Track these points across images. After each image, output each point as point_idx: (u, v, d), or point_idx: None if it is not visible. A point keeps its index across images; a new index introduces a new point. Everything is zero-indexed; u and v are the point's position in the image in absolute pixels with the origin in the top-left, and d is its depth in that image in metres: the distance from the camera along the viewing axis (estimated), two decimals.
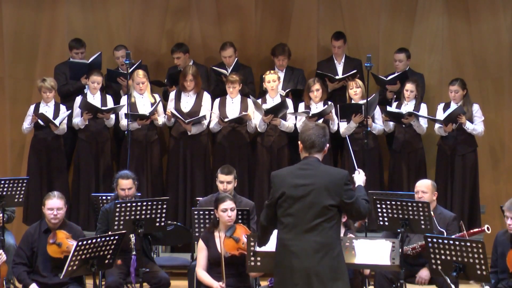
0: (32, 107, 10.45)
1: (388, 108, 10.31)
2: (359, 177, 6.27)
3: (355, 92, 10.24)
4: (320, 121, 10.30)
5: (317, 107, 10.25)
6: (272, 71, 10.47)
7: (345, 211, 5.92)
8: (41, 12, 11.36)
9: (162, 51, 11.41)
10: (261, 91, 10.77)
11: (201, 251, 7.84)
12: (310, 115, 10.14)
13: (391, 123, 10.43)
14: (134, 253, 7.99)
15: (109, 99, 10.55)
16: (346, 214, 6.03)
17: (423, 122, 10.36)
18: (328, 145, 6.00)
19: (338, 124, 10.36)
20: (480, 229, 7.96)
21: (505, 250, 7.75)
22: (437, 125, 10.34)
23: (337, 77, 10.69)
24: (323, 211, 5.79)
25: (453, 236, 7.83)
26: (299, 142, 5.99)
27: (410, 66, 10.87)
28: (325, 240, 5.79)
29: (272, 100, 10.36)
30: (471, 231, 8.00)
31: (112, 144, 10.74)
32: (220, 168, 8.69)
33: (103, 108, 10.32)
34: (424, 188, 8.23)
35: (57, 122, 10.21)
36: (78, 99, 10.44)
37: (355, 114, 10.16)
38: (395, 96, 10.61)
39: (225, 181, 8.54)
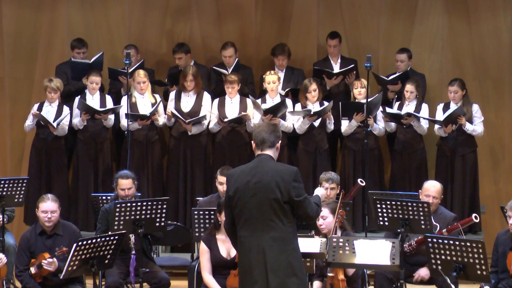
0: (36, 106, 10.45)
1: (388, 109, 10.31)
2: (319, 190, 6.42)
3: (359, 92, 10.23)
4: (318, 120, 10.32)
5: (313, 107, 10.25)
6: (272, 72, 10.47)
7: (294, 210, 5.96)
8: (41, 12, 11.36)
9: (162, 51, 11.41)
10: (261, 91, 10.77)
11: (204, 254, 7.83)
12: (312, 113, 10.14)
13: (393, 123, 10.43)
14: (133, 252, 7.99)
15: (109, 99, 10.55)
16: (295, 215, 6.01)
17: (424, 123, 10.35)
18: (280, 141, 6.10)
19: (335, 123, 10.36)
20: (468, 218, 7.95)
21: (506, 249, 7.76)
22: (436, 126, 10.34)
23: (334, 71, 10.70)
24: (275, 207, 5.89)
25: (444, 231, 7.88)
26: (252, 142, 6.11)
27: (411, 66, 10.87)
28: (280, 236, 5.88)
29: (272, 101, 10.36)
30: (462, 221, 7.98)
31: (111, 144, 10.74)
32: (219, 169, 8.69)
33: (100, 109, 10.31)
34: (436, 194, 8.17)
35: (55, 123, 10.20)
36: (78, 100, 10.44)
37: (356, 112, 10.16)
38: (396, 96, 10.60)
39: (225, 182, 8.52)
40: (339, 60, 10.96)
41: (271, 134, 6.04)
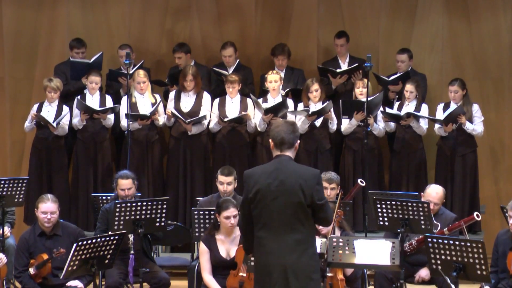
0: (35, 106, 10.45)
1: (387, 110, 10.31)
2: None
3: (361, 92, 10.23)
4: (320, 119, 10.32)
5: (316, 107, 10.25)
6: (274, 71, 10.47)
7: (315, 213, 5.92)
8: (41, 12, 11.35)
9: (162, 51, 11.41)
10: (261, 91, 10.77)
11: (204, 255, 7.82)
12: (310, 113, 10.14)
13: (392, 124, 10.43)
14: (132, 252, 7.99)
15: (108, 99, 10.55)
16: (314, 218, 5.97)
17: (423, 123, 10.35)
18: (298, 141, 6.00)
19: (337, 124, 10.37)
20: (470, 216, 7.94)
21: (506, 249, 7.76)
22: (437, 126, 10.34)
23: (338, 70, 10.69)
24: (297, 210, 5.82)
25: (446, 230, 7.87)
26: (270, 140, 5.99)
27: (412, 66, 10.87)
28: (301, 239, 5.83)
29: (273, 100, 10.36)
30: (464, 219, 7.96)
31: (111, 144, 10.74)
32: (220, 169, 8.69)
33: (98, 108, 10.31)
34: (438, 201, 8.16)
35: (55, 123, 10.20)
36: (77, 100, 10.44)
37: (357, 111, 10.16)
38: (397, 96, 10.60)
39: (225, 182, 8.54)
40: (347, 60, 10.96)
41: (291, 135, 5.94)
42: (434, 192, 8.22)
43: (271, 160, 6.08)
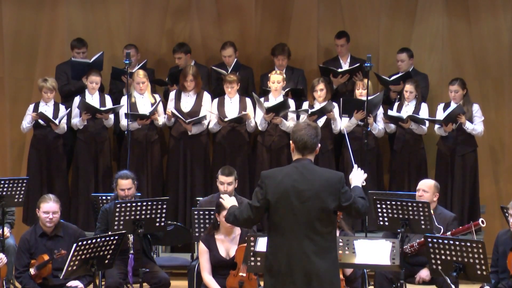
0: (31, 106, 10.46)
1: (389, 112, 10.30)
2: (357, 176, 6.11)
3: (361, 93, 10.23)
4: (322, 119, 10.32)
5: (320, 106, 10.25)
6: (278, 72, 10.47)
7: (344, 212, 5.89)
8: (41, 12, 11.36)
9: (162, 51, 11.41)
10: (262, 91, 10.77)
11: (203, 254, 7.82)
12: (310, 112, 10.14)
13: (392, 124, 10.43)
14: (131, 252, 7.99)
15: (108, 99, 10.56)
16: (346, 215, 5.99)
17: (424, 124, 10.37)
18: (319, 145, 5.90)
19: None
20: (476, 222, 7.94)
21: (506, 249, 7.76)
22: (436, 126, 10.34)
23: (339, 70, 10.70)
24: (321, 215, 5.72)
25: (449, 234, 7.88)
26: (291, 142, 5.92)
27: (413, 66, 10.86)
28: (324, 244, 5.74)
29: (274, 100, 10.37)
30: (472, 224, 7.96)
31: (111, 144, 10.74)
32: (220, 169, 8.68)
33: (101, 108, 10.32)
34: (425, 187, 8.23)
35: (56, 121, 10.22)
36: (77, 99, 10.45)
37: (357, 110, 10.16)
38: (398, 96, 10.60)
39: (226, 182, 8.53)
40: (348, 60, 10.96)
41: (314, 139, 5.80)
42: (423, 181, 8.32)
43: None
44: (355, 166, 6.18)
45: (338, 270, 5.88)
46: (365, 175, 6.12)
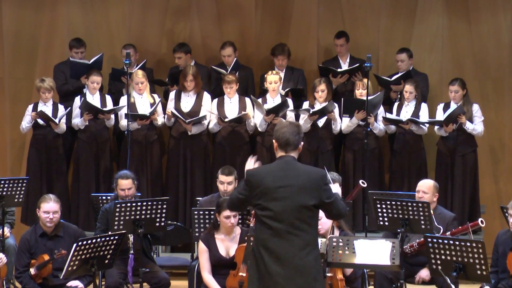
0: (30, 107, 10.46)
1: (388, 115, 10.30)
2: (335, 188, 6.33)
3: (361, 93, 10.23)
4: (323, 119, 10.33)
5: (320, 107, 10.25)
6: (274, 72, 10.47)
7: (324, 211, 5.93)
8: (41, 12, 11.36)
9: (162, 51, 11.41)
10: (261, 91, 10.77)
11: (203, 254, 7.81)
12: (311, 112, 10.15)
13: (392, 125, 10.44)
14: (131, 252, 7.99)
15: (108, 99, 10.56)
16: (326, 214, 6.01)
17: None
18: (302, 143, 5.97)
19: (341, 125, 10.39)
20: (475, 222, 7.93)
21: (506, 249, 7.76)
22: (436, 126, 10.34)
23: (339, 69, 10.70)
24: (304, 212, 5.79)
25: (448, 233, 7.87)
26: (274, 141, 5.97)
27: (413, 65, 10.86)
28: (307, 240, 5.80)
29: (272, 100, 10.37)
30: (470, 224, 7.96)
31: (112, 144, 10.74)
32: (220, 168, 8.68)
33: (104, 108, 10.33)
34: (425, 189, 8.23)
35: (56, 120, 10.23)
36: (78, 100, 10.45)
37: (358, 110, 10.16)
38: (399, 96, 10.60)
39: (226, 182, 8.54)
40: (347, 60, 10.97)
41: (296, 136, 5.89)
42: (422, 182, 8.31)
43: (273, 160, 6.05)
44: (331, 183, 6.35)
45: (321, 266, 5.95)
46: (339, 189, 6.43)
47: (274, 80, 10.35)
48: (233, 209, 6.48)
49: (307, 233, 5.80)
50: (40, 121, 10.37)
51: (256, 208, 5.90)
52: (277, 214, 5.80)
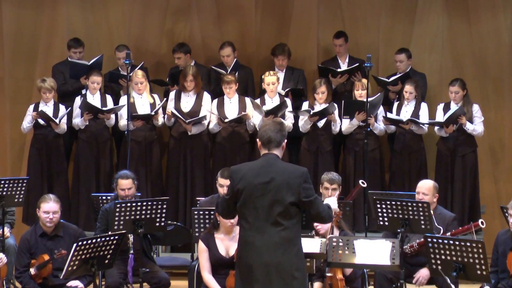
0: (31, 107, 10.47)
1: (389, 115, 10.30)
2: (331, 200, 6.35)
3: (360, 94, 10.23)
4: (323, 121, 10.33)
5: (320, 108, 10.25)
6: (272, 72, 10.47)
7: (303, 210, 5.95)
8: (41, 12, 11.36)
9: (162, 51, 11.41)
10: (261, 91, 10.78)
11: (203, 253, 7.81)
12: (311, 113, 10.16)
13: (392, 126, 10.44)
14: (131, 252, 7.99)
15: (109, 99, 10.56)
16: (305, 214, 6.04)
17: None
18: (286, 140, 6.02)
19: (341, 126, 10.38)
20: (476, 223, 7.92)
21: (506, 249, 7.76)
22: (436, 127, 10.34)
23: (339, 69, 10.70)
24: (283, 208, 5.84)
25: (449, 234, 7.87)
26: (257, 140, 6.03)
27: (412, 66, 10.87)
28: (286, 236, 5.84)
29: (271, 101, 10.37)
30: (471, 225, 7.95)
31: (112, 144, 10.74)
32: (220, 171, 8.66)
33: (104, 108, 10.33)
34: (425, 190, 8.21)
35: (57, 120, 10.23)
36: (78, 100, 10.45)
37: (358, 111, 10.17)
38: (397, 96, 10.60)
39: (225, 185, 8.50)
40: (347, 60, 10.97)
41: (278, 133, 5.95)
42: (422, 183, 8.29)
43: (259, 159, 6.07)
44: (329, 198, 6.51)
45: (303, 263, 5.98)
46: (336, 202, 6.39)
47: (272, 81, 10.36)
48: (224, 215, 6.32)
49: (286, 229, 5.84)
50: (40, 121, 10.38)
51: (238, 204, 5.95)
52: (257, 210, 5.86)
